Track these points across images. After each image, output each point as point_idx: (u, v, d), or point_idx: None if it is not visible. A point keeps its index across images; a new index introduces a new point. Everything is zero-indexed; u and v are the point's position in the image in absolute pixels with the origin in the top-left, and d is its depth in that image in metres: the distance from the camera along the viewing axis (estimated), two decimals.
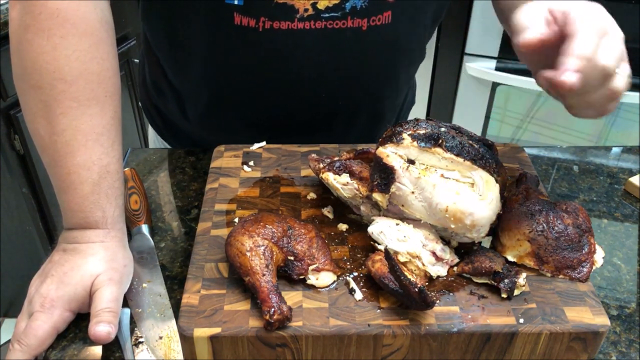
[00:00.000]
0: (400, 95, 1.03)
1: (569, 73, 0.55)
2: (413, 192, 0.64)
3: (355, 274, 0.65)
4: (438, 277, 0.65)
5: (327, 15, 0.81)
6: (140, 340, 0.65)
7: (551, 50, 0.61)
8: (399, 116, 1.09)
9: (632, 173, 0.94)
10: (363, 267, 0.66)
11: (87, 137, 0.68)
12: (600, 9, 0.63)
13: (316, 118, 0.94)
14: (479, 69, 2.13)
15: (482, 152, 0.65)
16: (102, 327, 0.62)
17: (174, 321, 0.67)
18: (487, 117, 2.24)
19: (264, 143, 0.86)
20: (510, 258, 0.67)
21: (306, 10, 0.80)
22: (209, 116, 0.97)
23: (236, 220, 0.71)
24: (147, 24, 0.94)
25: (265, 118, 0.95)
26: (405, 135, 0.66)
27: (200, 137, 1.01)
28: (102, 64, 0.69)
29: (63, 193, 0.69)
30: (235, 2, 0.79)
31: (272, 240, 0.63)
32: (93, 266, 0.66)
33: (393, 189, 0.65)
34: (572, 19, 0.60)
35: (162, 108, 1.05)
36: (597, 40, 0.58)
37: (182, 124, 1.03)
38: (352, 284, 0.63)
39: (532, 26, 0.61)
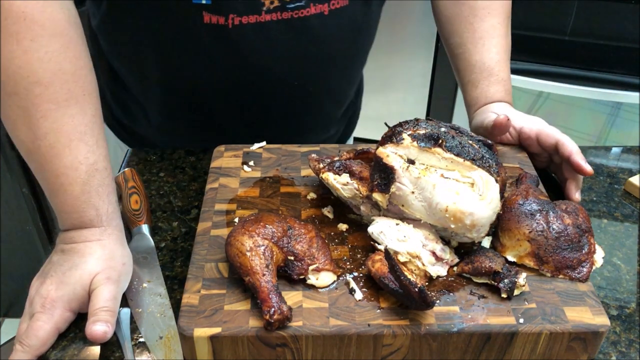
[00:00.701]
0: (360, 75, 1.08)
1: (587, 165, 0.80)
2: (413, 192, 0.64)
3: (355, 274, 0.65)
4: (438, 277, 0.65)
5: (292, 5, 0.84)
6: (140, 340, 0.65)
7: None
8: (357, 95, 1.15)
9: (632, 173, 0.94)
10: (363, 267, 0.66)
11: (70, 137, 0.67)
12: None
13: (290, 107, 0.96)
14: None
15: (482, 152, 0.65)
16: (98, 326, 0.62)
17: (174, 321, 0.67)
18: None
19: (264, 143, 0.86)
20: (510, 258, 0.67)
21: (272, 2, 0.83)
22: (178, 120, 0.98)
23: (236, 220, 0.71)
24: (104, 34, 0.94)
25: (240, 114, 0.96)
26: (405, 135, 0.66)
27: (165, 144, 1.01)
28: (76, 62, 0.68)
29: (54, 196, 0.68)
30: (203, 2, 0.81)
31: (272, 240, 0.63)
32: (91, 265, 0.66)
33: (393, 189, 0.65)
34: (546, 131, 0.84)
35: (127, 123, 1.05)
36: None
37: (151, 135, 1.03)
38: (352, 284, 0.63)
39: (499, 114, 0.84)
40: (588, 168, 0.80)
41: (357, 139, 2.53)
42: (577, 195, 0.83)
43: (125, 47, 0.92)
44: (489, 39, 0.94)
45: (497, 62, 0.93)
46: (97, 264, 0.67)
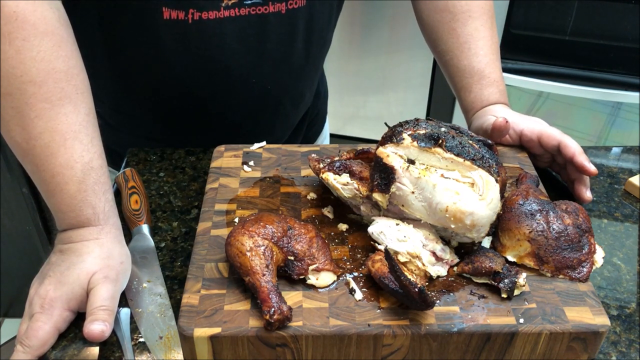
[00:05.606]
0: (317, 78, 1.08)
1: (591, 166, 0.81)
2: (413, 192, 0.64)
3: (355, 274, 0.65)
4: (438, 277, 0.65)
5: (249, 2, 0.85)
6: (140, 340, 0.65)
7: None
8: (318, 100, 1.15)
9: (632, 173, 0.94)
10: (363, 267, 0.66)
11: (65, 136, 0.67)
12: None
13: (249, 105, 0.97)
14: None
15: (482, 152, 0.65)
16: (96, 325, 0.62)
17: (174, 321, 0.67)
18: None
19: (264, 143, 0.86)
20: (510, 258, 0.67)
21: None
22: (133, 119, 0.99)
23: (236, 220, 0.71)
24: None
25: (198, 112, 0.97)
26: (405, 135, 0.66)
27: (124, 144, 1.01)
28: (68, 62, 0.68)
29: (50, 196, 0.68)
30: None
31: (272, 240, 0.63)
32: (89, 264, 0.66)
33: (393, 189, 0.65)
34: (548, 133, 0.84)
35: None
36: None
37: (104, 134, 1.03)
38: (352, 284, 0.63)
39: (497, 117, 0.85)
40: (592, 168, 0.80)
41: (357, 139, 2.53)
42: (588, 194, 0.84)
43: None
44: (474, 42, 0.94)
45: (486, 64, 0.93)
46: (94, 262, 0.67)
